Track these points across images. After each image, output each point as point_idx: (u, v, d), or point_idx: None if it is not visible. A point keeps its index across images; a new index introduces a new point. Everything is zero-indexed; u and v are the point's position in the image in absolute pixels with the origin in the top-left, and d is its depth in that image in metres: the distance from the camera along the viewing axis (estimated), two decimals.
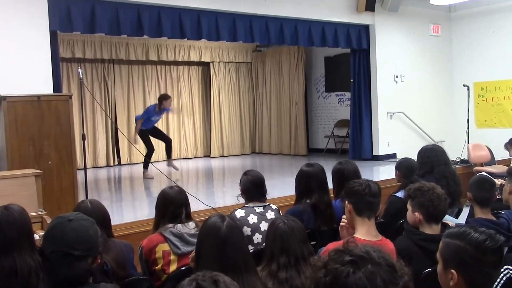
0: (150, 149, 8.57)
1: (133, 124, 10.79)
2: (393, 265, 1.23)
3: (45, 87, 5.85)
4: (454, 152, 8.58)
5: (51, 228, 2.05)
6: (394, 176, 4.70)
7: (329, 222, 3.68)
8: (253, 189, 3.69)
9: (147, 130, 8.49)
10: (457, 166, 7.91)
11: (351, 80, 9.69)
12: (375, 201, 2.74)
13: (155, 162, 10.15)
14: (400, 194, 4.04)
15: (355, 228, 2.71)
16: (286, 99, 11.90)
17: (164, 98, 8.47)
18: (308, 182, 3.81)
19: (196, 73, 11.94)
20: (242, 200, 3.82)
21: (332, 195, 4.02)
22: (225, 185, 8.24)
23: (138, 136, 8.58)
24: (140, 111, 10.97)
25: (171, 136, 11.32)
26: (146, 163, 8.34)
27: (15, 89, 5.21)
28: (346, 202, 2.78)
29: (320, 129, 11.80)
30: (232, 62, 12.22)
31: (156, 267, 3.04)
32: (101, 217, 2.90)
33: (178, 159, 10.92)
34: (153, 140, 8.78)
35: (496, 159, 8.09)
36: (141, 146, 10.44)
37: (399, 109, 9.72)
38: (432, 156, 4.73)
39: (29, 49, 5.87)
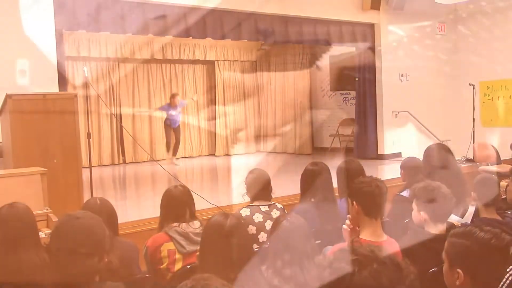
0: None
1: (138, 123, 10.85)
2: (399, 264, 1.23)
3: (51, 85, 5.86)
4: (460, 151, 8.55)
5: (58, 225, 2.07)
6: (399, 175, 4.69)
7: (333, 221, 3.68)
8: (259, 187, 3.69)
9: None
10: (463, 166, 7.89)
11: (356, 79, 9.67)
12: (383, 201, 2.72)
13: (159, 160, 10.19)
14: (405, 193, 4.03)
15: (360, 229, 2.69)
16: (291, 97, 11.88)
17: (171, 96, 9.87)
18: (312, 181, 3.81)
19: (201, 72, 11.94)
20: (247, 199, 3.82)
21: (337, 194, 4.01)
22: (230, 183, 8.24)
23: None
24: (145, 110, 11.01)
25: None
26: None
27: (20, 88, 5.23)
28: (354, 203, 2.70)
29: (325, 128, 11.77)
30: (237, 60, 12.19)
31: (161, 266, 3.04)
32: (109, 215, 2.91)
33: (183, 157, 10.92)
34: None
35: (502, 159, 8.05)
36: (145, 144, 10.50)
37: (404, 108, 9.69)
38: (436, 156, 4.71)
39: (35, 47, 5.88)
